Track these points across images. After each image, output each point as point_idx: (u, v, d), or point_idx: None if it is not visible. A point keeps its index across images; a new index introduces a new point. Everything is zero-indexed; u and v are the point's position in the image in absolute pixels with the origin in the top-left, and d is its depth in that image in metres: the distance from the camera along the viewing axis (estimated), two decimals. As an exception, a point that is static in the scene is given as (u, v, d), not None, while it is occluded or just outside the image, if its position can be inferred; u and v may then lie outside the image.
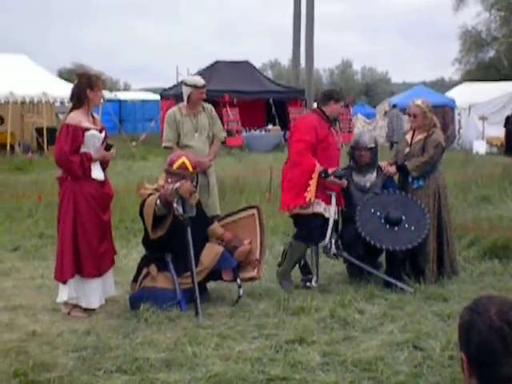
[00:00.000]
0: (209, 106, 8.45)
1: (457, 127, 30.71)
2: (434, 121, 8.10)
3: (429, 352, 5.67)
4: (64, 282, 6.79)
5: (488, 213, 12.02)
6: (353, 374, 5.26)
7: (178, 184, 6.75)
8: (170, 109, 8.53)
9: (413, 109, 8.09)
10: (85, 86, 6.82)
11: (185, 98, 8.24)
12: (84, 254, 6.76)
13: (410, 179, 7.99)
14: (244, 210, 7.86)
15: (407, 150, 8.07)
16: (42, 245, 9.91)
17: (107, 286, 7.07)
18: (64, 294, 6.82)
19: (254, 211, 7.60)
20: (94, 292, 6.88)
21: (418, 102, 8.12)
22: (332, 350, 5.76)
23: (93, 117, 6.99)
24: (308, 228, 7.71)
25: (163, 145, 8.28)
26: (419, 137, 8.06)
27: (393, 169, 8.14)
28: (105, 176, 7.07)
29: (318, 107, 8.05)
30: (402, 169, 8.03)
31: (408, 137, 8.22)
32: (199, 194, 8.03)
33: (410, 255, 7.97)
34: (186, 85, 8.23)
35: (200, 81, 8.30)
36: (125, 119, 41.45)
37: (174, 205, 6.71)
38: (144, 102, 44.46)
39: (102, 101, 7.24)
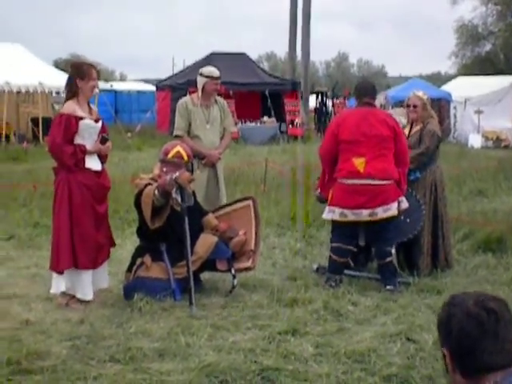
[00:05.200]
0: (221, 100, 8.46)
1: (452, 121, 30.70)
2: (431, 113, 8.11)
3: (421, 344, 5.68)
4: (61, 273, 6.77)
5: (483, 206, 12.06)
6: (346, 366, 5.27)
7: (176, 173, 6.73)
8: (181, 98, 8.54)
9: (413, 99, 8.05)
10: (75, 75, 6.80)
11: (199, 88, 8.23)
12: (79, 246, 6.70)
13: (406, 171, 7.97)
14: (239, 201, 7.87)
15: (405, 142, 8.05)
16: (37, 234, 9.90)
17: (99, 277, 6.99)
18: (61, 284, 6.79)
19: (250, 202, 7.60)
20: (89, 284, 6.85)
21: (419, 93, 8.11)
22: (325, 341, 5.78)
23: (89, 107, 6.97)
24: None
25: (174, 133, 8.28)
26: (416, 129, 8.05)
27: None
28: (102, 167, 7.03)
29: (369, 100, 7.60)
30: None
31: (406, 130, 8.21)
32: (207, 187, 8.05)
33: (404, 247, 7.98)
34: (202, 75, 8.22)
35: (216, 72, 8.28)
36: (120, 110, 41.23)
37: (173, 194, 6.70)
38: (140, 92, 44.32)
39: (94, 91, 7.13)
